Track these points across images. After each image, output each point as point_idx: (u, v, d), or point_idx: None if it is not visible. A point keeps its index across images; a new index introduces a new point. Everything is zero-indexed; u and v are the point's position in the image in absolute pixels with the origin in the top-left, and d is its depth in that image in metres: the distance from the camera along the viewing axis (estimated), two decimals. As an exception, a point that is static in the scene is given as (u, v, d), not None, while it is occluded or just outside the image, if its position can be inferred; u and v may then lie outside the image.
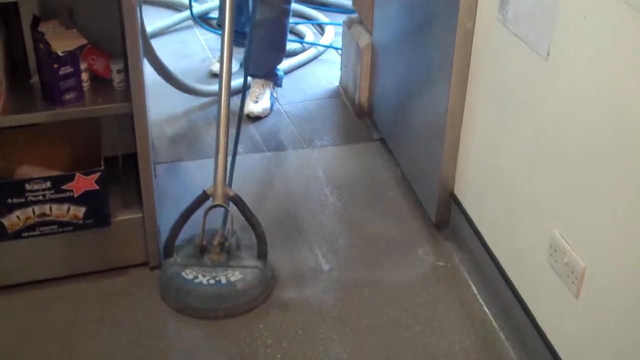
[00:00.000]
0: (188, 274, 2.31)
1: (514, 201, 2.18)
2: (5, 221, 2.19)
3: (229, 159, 2.47)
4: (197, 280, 2.29)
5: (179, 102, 3.47)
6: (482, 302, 2.35)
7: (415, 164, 2.85)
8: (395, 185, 2.93)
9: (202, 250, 2.38)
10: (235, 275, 2.31)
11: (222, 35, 2.42)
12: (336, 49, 3.97)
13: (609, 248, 1.73)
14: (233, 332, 2.24)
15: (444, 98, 2.44)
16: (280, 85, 3.56)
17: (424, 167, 2.75)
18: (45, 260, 2.34)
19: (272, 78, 3.52)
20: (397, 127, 3.01)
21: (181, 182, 2.92)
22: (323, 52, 4.02)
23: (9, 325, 2.23)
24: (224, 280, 2.29)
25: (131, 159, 2.42)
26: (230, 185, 2.49)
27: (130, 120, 2.24)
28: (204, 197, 2.37)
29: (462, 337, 2.24)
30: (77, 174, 2.19)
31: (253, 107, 3.39)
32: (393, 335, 2.25)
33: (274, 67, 3.53)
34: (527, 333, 2.14)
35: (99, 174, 2.21)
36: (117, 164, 2.48)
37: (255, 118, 3.39)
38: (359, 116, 3.38)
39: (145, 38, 2.85)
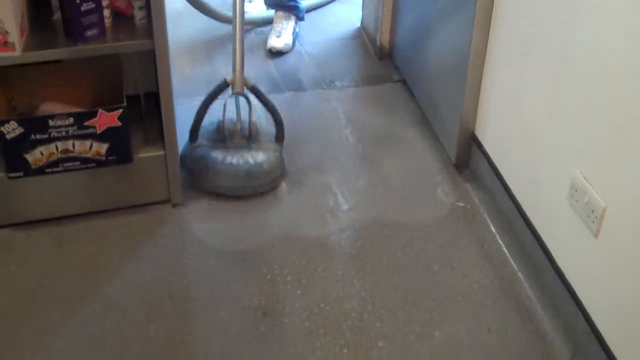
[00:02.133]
0: (217, 155, 2.51)
1: (536, 142, 2.18)
2: (29, 157, 2.21)
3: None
4: (227, 161, 2.49)
5: (197, 38, 3.46)
6: (501, 242, 2.37)
7: (436, 105, 2.84)
8: (415, 126, 2.92)
9: (224, 136, 2.57)
10: (260, 157, 2.53)
11: None
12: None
13: (630, 188, 1.73)
14: (254, 269, 2.26)
15: (467, 38, 2.42)
16: (302, 19, 3.54)
17: (445, 108, 2.74)
18: (69, 197, 2.36)
19: (294, 10, 3.49)
20: (418, 68, 3.00)
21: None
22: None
23: (34, 261, 2.27)
24: (252, 161, 2.51)
25: (153, 97, 2.42)
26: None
27: (151, 57, 2.25)
28: (225, 85, 2.54)
29: (481, 276, 2.25)
30: (100, 110, 2.20)
31: (275, 41, 3.39)
32: (412, 273, 2.27)
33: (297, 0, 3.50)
34: (545, 272, 2.15)
35: (121, 110, 2.22)
36: (139, 102, 2.49)
37: (277, 53, 3.39)
38: (380, 57, 3.36)
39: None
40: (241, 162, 2.50)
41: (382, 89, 3.18)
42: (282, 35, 3.41)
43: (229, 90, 2.56)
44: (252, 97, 2.59)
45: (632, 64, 1.67)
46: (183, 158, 2.52)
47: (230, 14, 3.42)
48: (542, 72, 2.10)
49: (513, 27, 2.25)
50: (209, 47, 3.45)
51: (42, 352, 1.99)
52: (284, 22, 3.45)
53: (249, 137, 2.59)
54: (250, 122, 2.59)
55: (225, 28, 3.50)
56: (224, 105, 2.55)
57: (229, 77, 2.54)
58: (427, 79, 2.90)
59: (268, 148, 2.58)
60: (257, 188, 2.52)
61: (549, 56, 2.06)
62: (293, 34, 3.46)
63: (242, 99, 2.60)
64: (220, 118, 2.58)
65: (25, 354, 1.98)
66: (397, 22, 3.20)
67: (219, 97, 2.59)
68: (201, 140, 2.58)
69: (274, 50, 3.38)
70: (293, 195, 2.52)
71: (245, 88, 2.55)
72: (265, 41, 3.45)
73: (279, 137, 2.63)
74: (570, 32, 1.93)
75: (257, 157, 2.53)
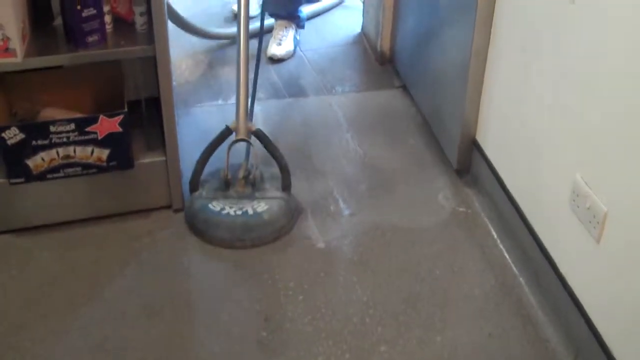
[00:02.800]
0: (215, 206, 2.37)
1: (537, 147, 2.18)
2: (30, 163, 2.21)
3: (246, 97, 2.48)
4: (224, 212, 2.35)
5: (198, 44, 3.47)
6: (502, 248, 2.36)
7: (437, 110, 2.84)
8: (416, 131, 2.92)
9: (227, 184, 2.43)
10: (261, 206, 2.37)
11: None
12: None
13: (631, 193, 1.72)
14: (255, 274, 2.26)
15: (468, 43, 2.42)
16: (302, 27, 3.53)
17: (446, 113, 2.74)
18: (70, 202, 2.37)
19: (295, 19, 3.48)
20: (419, 74, 3.00)
21: (202, 125, 2.93)
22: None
23: (35, 266, 2.27)
24: (250, 211, 2.35)
25: (154, 103, 2.43)
26: (251, 119, 2.53)
27: (152, 63, 2.25)
28: (228, 132, 2.43)
29: (482, 281, 2.25)
30: (101, 116, 2.21)
31: (276, 49, 3.38)
32: (413, 278, 2.27)
33: (297, 7, 3.48)
34: (547, 278, 2.15)
35: (122, 116, 2.22)
36: (140, 107, 2.49)
37: (278, 60, 3.38)
38: (381, 63, 3.36)
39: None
40: (239, 212, 2.36)
41: (383, 94, 3.19)
42: (282, 42, 3.41)
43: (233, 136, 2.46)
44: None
45: (633, 68, 1.67)
46: (185, 211, 2.44)
47: (218, 30, 3.48)
48: (542, 77, 2.10)
49: (514, 32, 2.25)
50: (210, 53, 3.46)
51: (43, 358, 1.99)
52: (284, 30, 3.45)
53: (253, 185, 2.45)
54: (254, 168, 2.46)
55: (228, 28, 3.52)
56: (227, 152, 2.40)
57: (231, 124, 2.43)
58: (427, 84, 2.90)
59: (272, 197, 2.42)
60: (256, 240, 2.35)
61: (549, 61, 2.06)
62: (294, 41, 3.47)
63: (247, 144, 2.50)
64: (224, 165, 2.43)
65: (25, 358, 1.98)
66: (397, 28, 3.21)
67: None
68: (203, 190, 2.44)
69: (274, 58, 3.38)
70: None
71: (250, 134, 2.45)
72: (266, 47, 3.44)
73: (285, 185, 2.46)
74: (570, 37, 1.93)
75: (258, 207, 2.38)
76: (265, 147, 2.46)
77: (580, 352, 1.98)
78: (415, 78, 3.06)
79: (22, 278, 2.23)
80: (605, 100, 1.80)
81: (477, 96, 2.51)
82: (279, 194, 2.44)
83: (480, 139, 2.57)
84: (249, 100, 2.50)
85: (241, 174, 2.44)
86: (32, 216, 2.35)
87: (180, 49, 3.42)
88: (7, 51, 2.08)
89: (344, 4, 3.96)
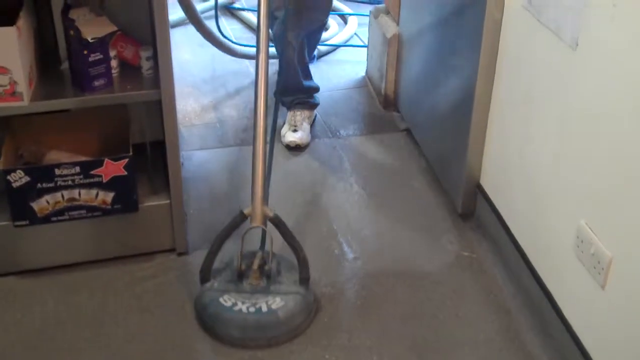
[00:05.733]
0: (226, 301, 2.17)
1: (541, 192, 2.18)
2: (35, 205, 2.22)
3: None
4: (236, 308, 2.16)
5: (204, 88, 3.49)
6: (507, 293, 2.35)
7: (441, 155, 2.85)
8: (420, 175, 2.93)
9: (241, 275, 2.24)
10: (276, 303, 2.17)
11: (257, 50, 2.34)
12: (357, 46, 3.99)
13: (636, 239, 1.72)
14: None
15: (471, 88, 2.44)
16: (318, 104, 3.28)
17: (449, 157, 2.75)
18: (74, 245, 2.36)
19: (309, 101, 3.23)
20: (423, 118, 3.01)
21: (208, 169, 2.95)
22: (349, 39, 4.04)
23: (39, 309, 2.26)
24: (264, 308, 2.15)
25: (159, 146, 2.44)
26: (266, 202, 2.30)
27: (158, 107, 2.27)
28: (242, 218, 2.23)
29: (487, 327, 2.24)
30: (106, 160, 2.22)
31: (292, 136, 3.10)
32: (417, 323, 2.25)
33: (312, 93, 3.24)
34: (552, 324, 2.14)
35: (127, 159, 2.23)
36: (145, 150, 2.51)
37: (296, 147, 3.10)
38: (385, 106, 3.38)
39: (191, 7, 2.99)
40: (252, 309, 2.15)
41: (387, 137, 3.20)
42: (299, 128, 3.13)
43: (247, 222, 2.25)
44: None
45: (637, 114, 1.68)
46: (195, 304, 2.26)
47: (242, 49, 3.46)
48: (546, 122, 2.11)
49: (517, 77, 2.27)
50: (216, 96, 3.48)
51: (45, 403, 1.98)
52: (298, 113, 3.17)
53: (268, 277, 2.24)
54: (270, 258, 2.24)
55: (233, 74, 3.55)
56: (241, 241, 2.20)
57: (246, 210, 2.22)
58: (431, 128, 2.92)
59: (289, 291, 2.21)
60: (271, 340, 2.15)
61: (553, 106, 2.07)
62: (310, 123, 3.23)
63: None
64: (237, 252, 2.24)
65: (27, 405, 1.97)
66: (401, 71, 3.23)
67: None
68: (214, 281, 2.24)
69: (292, 145, 3.08)
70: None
71: (266, 220, 2.23)
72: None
73: (303, 278, 2.24)
74: (573, 84, 1.95)
75: (273, 302, 2.16)
76: (283, 235, 2.25)
77: (586, 399, 1.97)
78: (419, 122, 3.08)
79: (25, 321, 2.22)
80: (609, 146, 1.80)
81: (481, 141, 2.52)
82: (295, 288, 2.23)
83: (485, 183, 2.57)
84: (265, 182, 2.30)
85: (256, 264, 2.23)
86: (36, 259, 2.35)
87: (186, 93, 3.45)
88: (14, 95, 2.10)
89: (347, 47, 4.00)
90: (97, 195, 2.26)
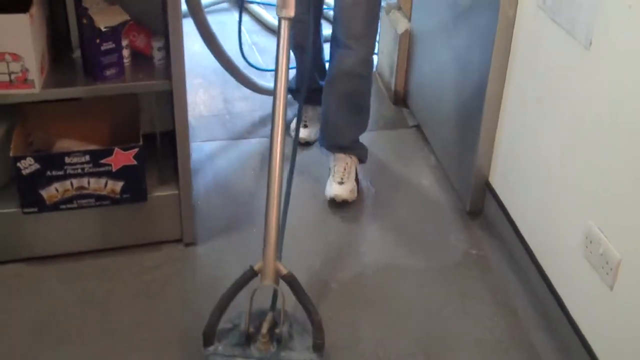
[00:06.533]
0: None
1: (550, 191, 2.18)
2: (44, 193, 2.22)
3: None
4: None
5: (214, 80, 3.49)
6: (514, 292, 2.35)
7: (450, 152, 2.85)
8: (429, 172, 2.93)
9: (248, 338, 1.99)
10: None
11: (275, 89, 1.97)
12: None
13: (646, 240, 1.72)
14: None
15: (483, 86, 2.44)
16: (365, 161, 2.91)
17: (459, 155, 2.74)
18: (82, 233, 2.37)
19: (357, 151, 2.87)
20: (433, 115, 3.01)
21: (217, 161, 2.95)
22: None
23: (46, 296, 2.26)
24: None
25: (168, 137, 2.44)
26: (280, 257, 2.03)
27: (169, 98, 2.27)
28: (252, 274, 1.98)
29: (492, 325, 2.23)
30: (116, 149, 2.22)
31: (339, 189, 2.72)
32: (423, 320, 2.25)
33: (358, 137, 2.89)
34: (559, 323, 2.14)
35: (137, 149, 2.23)
36: (154, 141, 2.51)
37: (342, 203, 2.73)
38: (395, 102, 3.37)
39: (205, 25, 2.80)
40: None
41: (397, 134, 3.19)
42: (345, 181, 2.74)
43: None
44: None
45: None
46: None
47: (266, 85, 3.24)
48: (557, 121, 2.11)
49: (529, 76, 2.26)
50: (226, 88, 3.48)
51: (50, 390, 1.99)
52: (346, 164, 2.79)
53: (279, 342, 1.99)
54: (282, 321, 1.98)
55: (243, 66, 3.54)
56: (250, 300, 1.95)
57: (256, 266, 1.97)
58: (441, 125, 2.91)
59: (301, 359, 1.98)
60: None
61: (564, 106, 2.06)
62: (357, 176, 2.85)
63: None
64: (244, 314, 1.99)
65: (33, 391, 1.98)
66: (412, 68, 3.23)
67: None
68: (219, 344, 1.99)
69: (338, 200, 2.71)
70: (305, 237, 2.51)
71: (278, 278, 1.98)
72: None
73: (317, 344, 1.97)
74: (586, 84, 1.94)
75: None
76: (297, 296, 2.00)
77: (591, 399, 1.97)
78: (429, 118, 3.07)
79: (33, 307, 2.22)
80: (620, 147, 1.80)
81: (491, 139, 2.51)
82: (308, 355, 1.98)
83: (494, 181, 2.57)
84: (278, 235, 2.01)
85: (265, 327, 1.98)
86: (45, 246, 2.36)
87: (196, 84, 3.45)
88: (26, 82, 2.11)
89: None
90: (106, 184, 2.26)
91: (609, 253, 1.84)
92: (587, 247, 1.95)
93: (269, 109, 3.18)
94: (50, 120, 2.38)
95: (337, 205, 2.72)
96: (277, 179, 1.94)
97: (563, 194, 2.10)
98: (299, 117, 2.19)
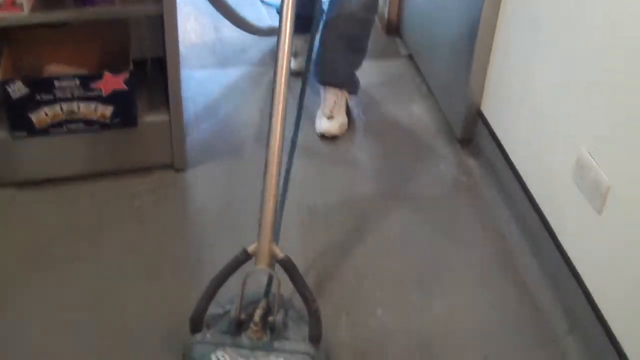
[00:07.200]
0: (219, 358, 1.76)
1: (543, 119, 2.18)
2: (34, 117, 2.21)
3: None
4: None
5: (205, 8, 3.44)
6: (503, 218, 2.37)
7: (442, 81, 2.83)
8: (421, 101, 2.92)
9: (239, 325, 1.81)
10: None
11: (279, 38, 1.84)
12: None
13: (635, 166, 1.72)
14: (255, 238, 2.25)
15: (477, 13, 2.41)
16: (356, 93, 2.88)
17: (451, 83, 2.73)
18: (72, 158, 2.37)
19: (350, 85, 2.84)
20: (426, 43, 2.99)
21: (207, 88, 2.93)
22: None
23: (36, 221, 2.27)
24: None
25: (159, 64, 2.42)
26: (277, 240, 1.85)
27: (159, 23, 2.24)
28: (245, 257, 1.80)
29: (482, 249, 2.26)
30: (106, 73, 2.20)
31: (328, 125, 2.70)
32: (412, 244, 2.28)
33: (353, 73, 2.84)
34: (546, 248, 2.16)
35: (127, 74, 2.22)
36: (145, 67, 2.49)
37: (332, 137, 2.72)
38: (387, 32, 3.35)
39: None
40: None
41: (389, 63, 3.18)
42: (335, 115, 2.72)
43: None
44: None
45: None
46: (182, 358, 1.80)
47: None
48: (551, 50, 2.10)
49: (525, 3, 2.24)
50: (217, 16, 3.42)
51: (42, 311, 2.00)
52: (336, 98, 2.76)
53: (272, 331, 1.81)
54: (276, 308, 1.81)
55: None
56: (242, 285, 1.75)
57: (250, 247, 1.79)
58: (434, 54, 2.89)
59: (295, 350, 1.77)
60: None
61: (559, 33, 2.05)
62: (346, 111, 2.81)
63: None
64: (236, 299, 1.80)
65: (24, 313, 1.99)
66: (405, -3, 3.20)
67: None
68: (207, 331, 1.81)
69: (327, 135, 2.70)
70: (298, 166, 2.52)
71: (274, 261, 1.79)
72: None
73: (313, 335, 1.79)
74: (581, 9, 1.92)
75: None
76: (293, 282, 1.81)
77: (577, 322, 1.99)
78: (421, 47, 3.05)
79: (23, 232, 2.23)
80: (615, 76, 1.79)
81: (484, 67, 2.50)
82: (304, 346, 1.79)
83: (485, 109, 2.56)
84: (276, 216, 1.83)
85: (258, 315, 1.79)
86: (34, 171, 2.35)
87: (186, 12, 3.41)
88: (14, 5, 2.07)
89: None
90: (96, 108, 2.25)
91: (599, 179, 1.85)
92: (577, 173, 1.95)
93: (259, 38, 3.18)
94: (39, 46, 2.35)
95: (326, 140, 2.71)
96: (275, 159, 1.79)
97: (556, 121, 2.10)
98: (299, 117, 2.04)
